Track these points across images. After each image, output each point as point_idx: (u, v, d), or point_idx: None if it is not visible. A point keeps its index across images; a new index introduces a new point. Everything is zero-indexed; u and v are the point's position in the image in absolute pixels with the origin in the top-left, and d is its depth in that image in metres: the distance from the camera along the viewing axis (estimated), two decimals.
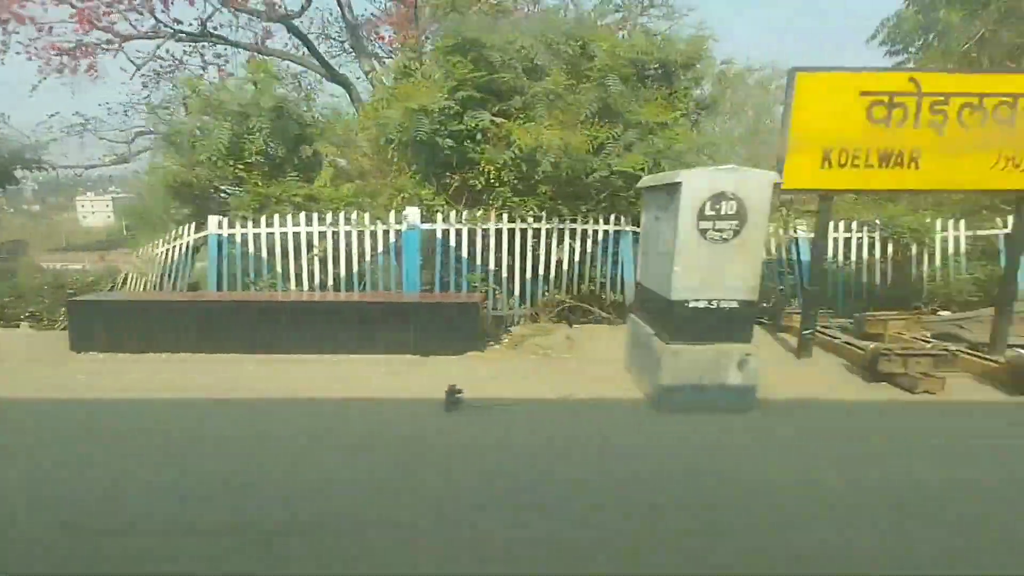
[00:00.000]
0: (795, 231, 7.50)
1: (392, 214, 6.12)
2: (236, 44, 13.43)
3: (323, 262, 6.25)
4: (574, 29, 6.44)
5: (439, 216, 6.10)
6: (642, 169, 6.02)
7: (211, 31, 12.95)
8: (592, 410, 3.92)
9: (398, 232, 6.14)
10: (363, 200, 6.53)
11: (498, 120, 5.92)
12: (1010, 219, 7.36)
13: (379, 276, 6.25)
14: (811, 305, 5.03)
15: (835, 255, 7.47)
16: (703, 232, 3.61)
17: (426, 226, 6.12)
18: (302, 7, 13.30)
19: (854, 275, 7.49)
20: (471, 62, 5.78)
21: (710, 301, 3.69)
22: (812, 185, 4.73)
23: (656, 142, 6.18)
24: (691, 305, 3.69)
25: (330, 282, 6.29)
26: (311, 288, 6.31)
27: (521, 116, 6.04)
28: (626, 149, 6.26)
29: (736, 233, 3.61)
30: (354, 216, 6.14)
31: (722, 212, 3.59)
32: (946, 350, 4.30)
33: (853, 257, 7.47)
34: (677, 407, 3.73)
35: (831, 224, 7.57)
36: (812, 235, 7.47)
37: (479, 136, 5.92)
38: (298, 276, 6.28)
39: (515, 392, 4.22)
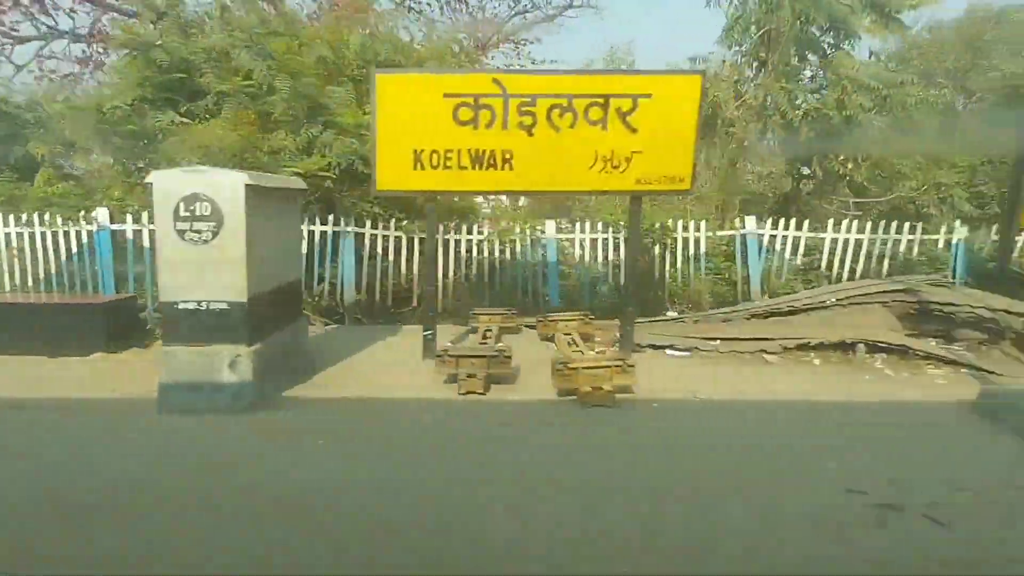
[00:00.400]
0: (542, 231, 7.51)
1: (82, 214, 6.14)
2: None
3: (21, 262, 6.26)
4: (282, 29, 6.45)
5: (128, 217, 6.11)
6: (326, 169, 6.05)
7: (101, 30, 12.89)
8: (106, 410, 3.93)
9: (90, 233, 6.15)
10: (78, 200, 6.53)
11: (178, 120, 5.93)
12: (748, 219, 7.46)
13: (76, 277, 6.26)
14: (429, 306, 5.04)
15: (582, 256, 7.50)
16: (181, 233, 3.62)
17: (116, 227, 6.13)
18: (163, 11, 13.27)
19: (600, 276, 7.52)
20: (144, 63, 5.79)
21: (199, 303, 3.70)
22: (405, 186, 4.74)
23: (352, 143, 6.20)
24: (180, 306, 3.71)
25: (31, 282, 6.30)
26: (12, 288, 6.31)
27: (208, 116, 6.05)
28: (329, 149, 6.28)
29: (215, 234, 3.62)
30: (46, 216, 6.15)
31: (197, 213, 3.60)
32: (500, 351, 4.30)
33: (599, 258, 7.49)
34: (175, 407, 3.73)
35: (577, 224, 7.73)
36: (557, 236, 7.60)
37: (160, 136, 5.93)
38: None
39: (61, 392, 4.23)
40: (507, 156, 4.63)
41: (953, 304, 5.55)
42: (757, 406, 4.05)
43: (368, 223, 6.86)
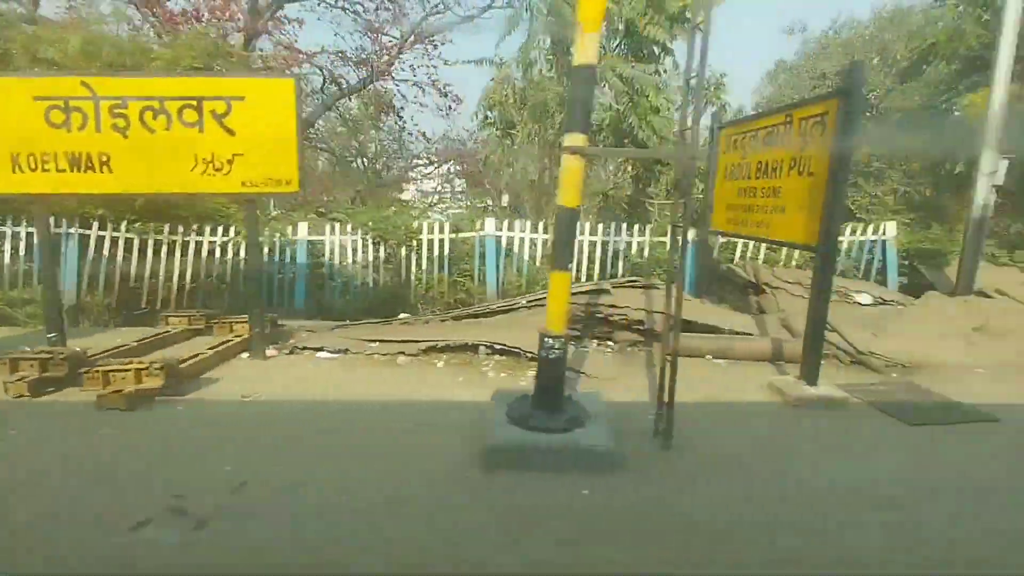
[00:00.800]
0: (295, 234, 7.52)
1: None
2: None
3: None
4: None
5: None
6: None
7: None
8: None
9: None
10: None
11: None
12: (488, 221, 7.47)
13: None
14: (50, 309, 5.03)
15: (331, 258, 7.51)
16: None
17: None
18: None
19: (352, 278, 7.52)
20: None
21: None
22: (6, 189, 4.71)
23: None
24: None
25: None
26: None
27: None
28: None
29: None
30: None
31: None
32: (55, 354, 4.30)
33: (349, 260, 7.50)
34: None
35: (328, 226, 7.73)
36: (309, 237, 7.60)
37: None
38: None
39: None
40: (104, 159, 4.63)
41: (613, 307, 5.57)
42: (303, 407, 4.01)
43: (95, 224, 6.87)
